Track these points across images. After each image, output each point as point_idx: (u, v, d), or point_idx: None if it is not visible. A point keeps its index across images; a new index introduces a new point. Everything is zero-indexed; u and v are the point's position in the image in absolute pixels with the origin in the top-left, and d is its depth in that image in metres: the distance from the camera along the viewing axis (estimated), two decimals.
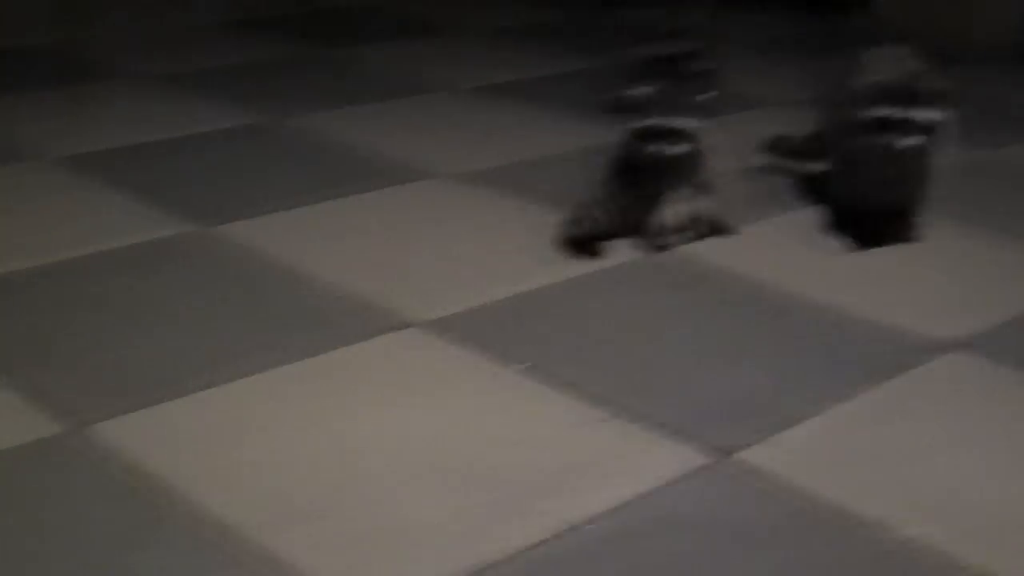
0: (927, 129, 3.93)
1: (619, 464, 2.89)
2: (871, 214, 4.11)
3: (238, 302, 3.70)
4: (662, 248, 4.07)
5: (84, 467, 2.85)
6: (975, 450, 2.98)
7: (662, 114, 3.94)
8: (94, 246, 4.07)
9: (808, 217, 4.33)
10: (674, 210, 4.06)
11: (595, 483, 2.81)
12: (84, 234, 4.17)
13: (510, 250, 4.10)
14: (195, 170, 4.83)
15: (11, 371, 3.24)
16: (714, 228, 4.13)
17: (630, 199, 4.04)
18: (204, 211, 4.37)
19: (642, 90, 3.94)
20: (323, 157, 5.03)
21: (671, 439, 2.98)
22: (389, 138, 5.23)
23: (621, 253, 4.05)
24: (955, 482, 2.84)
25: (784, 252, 4.12)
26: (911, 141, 3.94)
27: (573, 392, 3.20)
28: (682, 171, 4.02)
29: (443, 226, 4.32)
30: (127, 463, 2.85)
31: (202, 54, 6.60)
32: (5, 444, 2.92)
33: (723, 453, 2.92)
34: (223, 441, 2.98)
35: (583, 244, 4.05)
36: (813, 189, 4.48)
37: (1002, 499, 2.78)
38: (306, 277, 3.87)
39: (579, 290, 3.83)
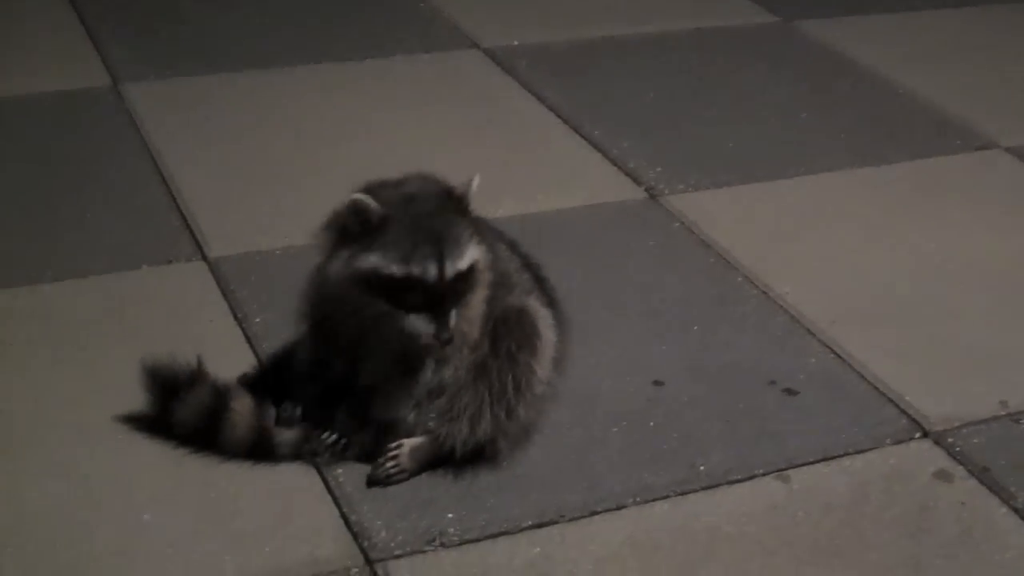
0: None
1: None
2: None
3: (816, 99, 3.67)
4: None
5: (659, 234, 2.95)
6: None
7: None
8: (676, 24, 4.14)
9: None
10: None
11: None
12: (669, 10, 4.25)
13: None
14: None
15: (592, 134, 3.38)
16: None
17: None
18: (784, 4, 4.34)
19: None
20: None
21: None
22: None
23: None
24: None
25: None
26: None
27: None
28: None
29: None
30: (701, 237, 2.94)
31: None
32: (595, 200, 3.08)
33: None
34: (794, 232, 3.00)
35: None
36: None
37: None
38: (887, 83, 3.78)
39: None
